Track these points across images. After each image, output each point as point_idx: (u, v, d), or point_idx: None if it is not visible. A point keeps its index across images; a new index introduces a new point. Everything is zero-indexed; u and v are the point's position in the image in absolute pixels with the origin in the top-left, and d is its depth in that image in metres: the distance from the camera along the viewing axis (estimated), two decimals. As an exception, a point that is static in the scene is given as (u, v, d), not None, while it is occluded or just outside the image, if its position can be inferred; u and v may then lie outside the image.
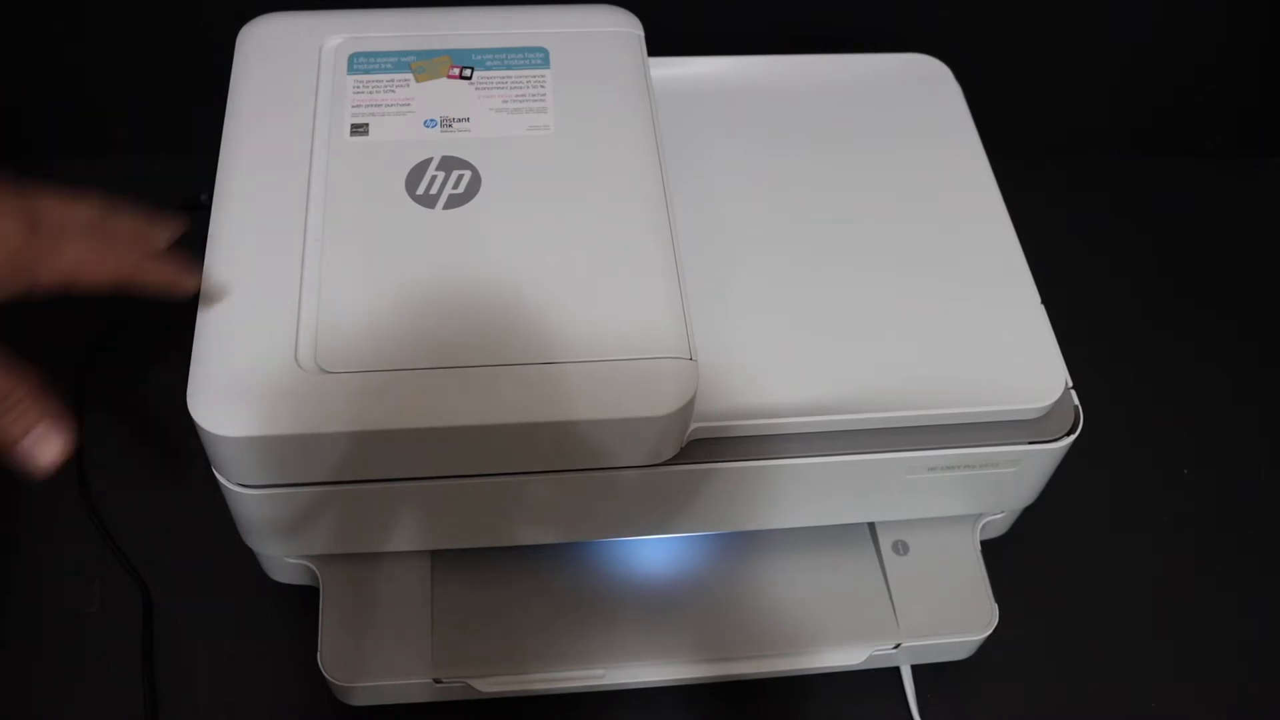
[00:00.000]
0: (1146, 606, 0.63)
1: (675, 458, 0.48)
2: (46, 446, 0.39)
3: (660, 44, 0.58)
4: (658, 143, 0.53)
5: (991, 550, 0.59)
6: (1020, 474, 0.53)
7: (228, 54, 0.55)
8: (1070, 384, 0.52)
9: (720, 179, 0.57)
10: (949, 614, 0.57)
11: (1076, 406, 0.52)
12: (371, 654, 0.54)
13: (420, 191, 0.50)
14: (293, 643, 0.58)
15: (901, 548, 0.58)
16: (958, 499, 0.55)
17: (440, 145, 0.52)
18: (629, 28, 0.57)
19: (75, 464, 0.64)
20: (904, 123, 0.61)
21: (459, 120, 0.53)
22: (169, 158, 0.71)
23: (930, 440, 0.50)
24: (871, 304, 0.53)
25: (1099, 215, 0.81)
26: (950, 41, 0.67)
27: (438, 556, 0.56)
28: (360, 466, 0.46)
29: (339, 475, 0.46)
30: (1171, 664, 0.61)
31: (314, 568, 0.55)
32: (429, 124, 0.53)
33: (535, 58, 0.55)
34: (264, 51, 0.55)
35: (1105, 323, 0.75)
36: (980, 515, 0.58)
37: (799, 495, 0.52)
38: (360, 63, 0.55)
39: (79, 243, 0.42)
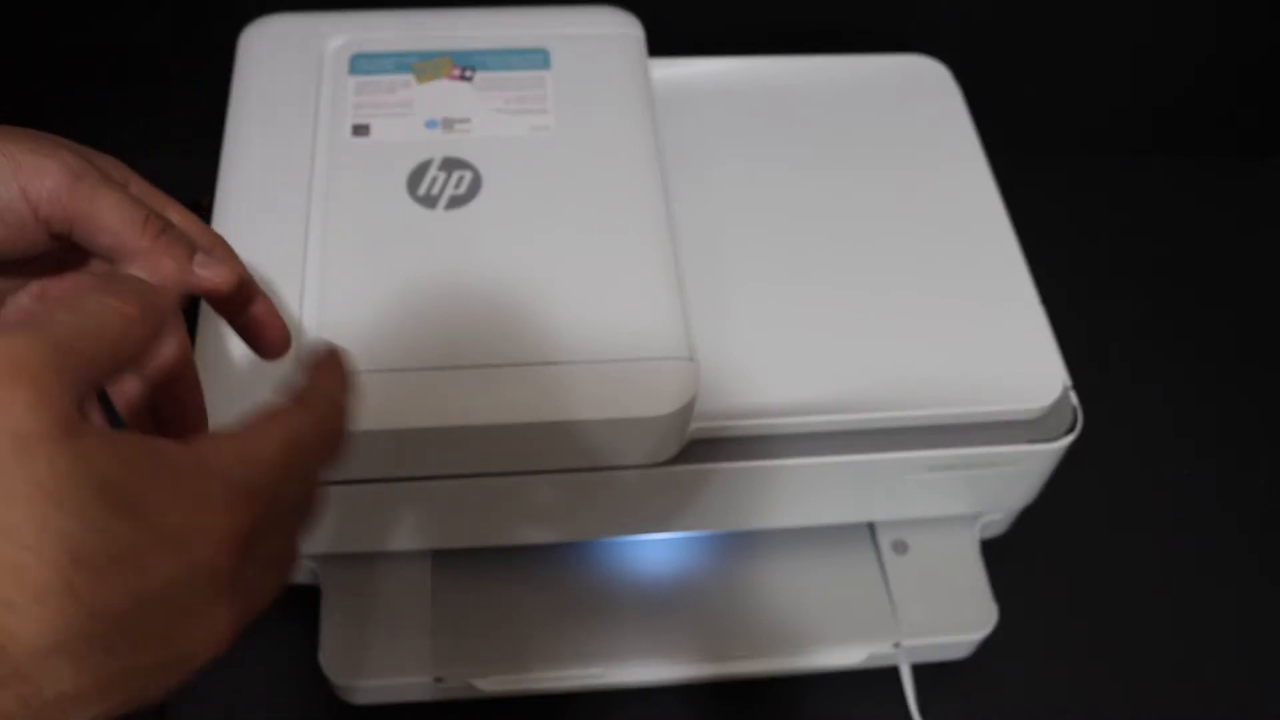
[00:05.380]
0: (1146, 606, 0.64)
1: (675, 458, 0.49)
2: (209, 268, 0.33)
3: (660, 44, 0.58)
4: (658, 143, 0.53)
5: (991, 550, 0.59)
6: (1020, 474, 0.53)
7: (230, 55, 0.55)
8: (1069, 384, 0.52)
9: (720, 179, 0.57)
10: (949, 613, 0.57)
11: (1075, 406, 0.52)
12: (372, 653, 0.54)
13: (422, 192, 0.50)
14: (293, 642, 0.58)
15: (901, 547, 0.58)
16: (957, 499, 0.55)
17: (441, 146, 0.52)
18: (629, 29, 0.57)
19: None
20: (903, 123, 0.61)
21: (460, 121, 0.53)
22: (170, 159, 0.71)
23: (930, 440, 0.51)
24: (871, 304, 0.53)
25: (1099, 215, 0.81)
26: (950, 41, 0.67)
27: (438, 556, 0.57)
28: (361, 466, 0.46)
29: (340, 475, 0.46)
30: (1171, 664, 0.62)
31: (315, 567, 0.56)
32: (430, 125, 0.53)
33: (536, 59, 0.55)
34: (266, 53, 0.55)
35: (1105, 323, 0.75)
36: (980, 515, 0.58)
37: (799, 495, 0.53)
38: (362, 64, 0.55)
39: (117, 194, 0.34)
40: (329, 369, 0.33)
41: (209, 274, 0.34)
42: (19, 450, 0.22)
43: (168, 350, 0.36)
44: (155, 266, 0.31)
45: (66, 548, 0.22)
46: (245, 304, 0.37)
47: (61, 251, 0.36)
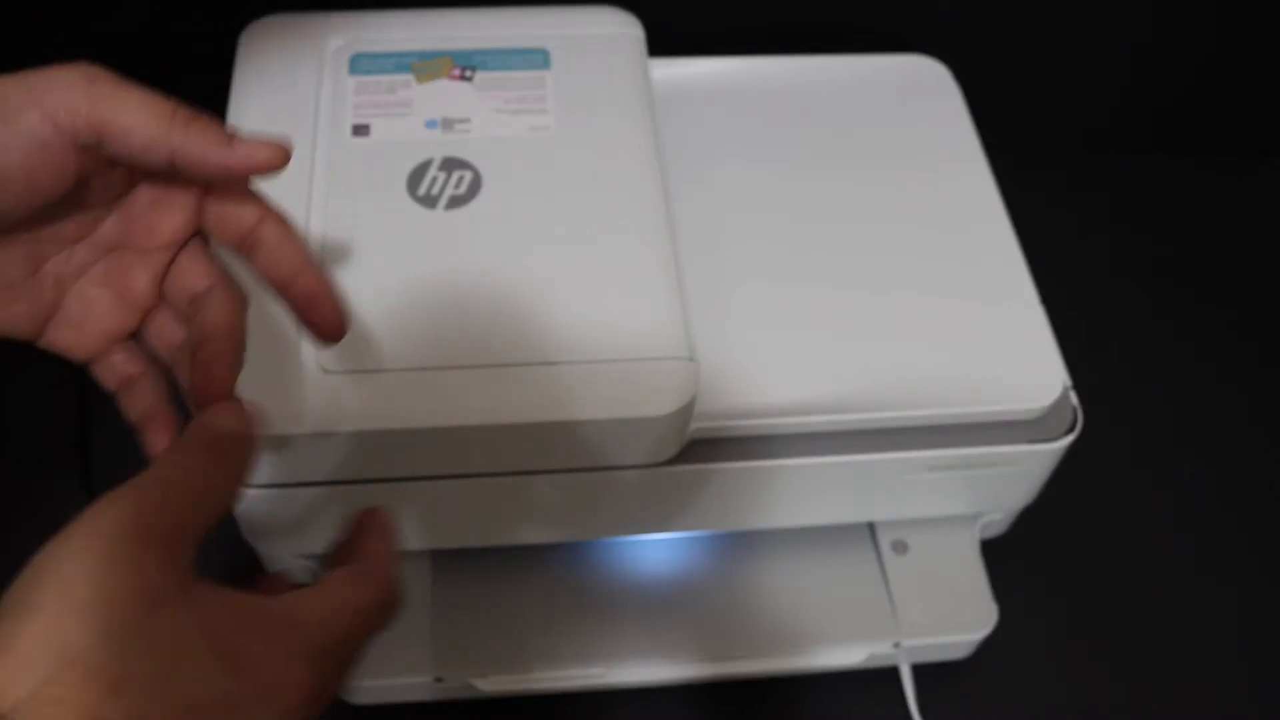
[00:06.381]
0: (1146, 606, 0.64)
1: (675, 458, 0.49)
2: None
3: (660, 44, 0.58)
4: (658, 143, 0.53)
5: (991, 550, 0.59)
6: (1019, 474, 0.53)
7: (230, 55, 0.55)
8: (1069, 384, 0.52)
9: (720, 179, 0.57)
10: (948, 613, 0.57)
11: (1075, 407, 0.52)
12: (372, 653, 0.53)
13: (421, 192, 0.50)
14: (294, 642, 0.58)
15: (901, 547, 0.58)
16: (957, 499, 0.55)
17: (441, 146, 0.52)
18: (629, 29, 0.57)
19: (79, 463, 0.64)
20: (903, 123, 0.61)
21: (460, 121, 0.53)
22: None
23: (930, 440, 0.51)
24: (871, 304, 0.53)
25: (1099, 215, 0.81)
26: (950, 41, 0.67)
27: (438, 556, 0.57)
28: (361, 466, 0.46)
29: (340, 475, 0.47)
30: (1171, 664, 0.62)
31: (315, 567, 0.56)
32: (430, 125, 0.53)
33: (536, 59, 0.55)
34: (266, 53, 0.55)
35: (1105, 323, 0.75)
36: (980, 515, 0.59)
37: (799, 495, 0.53)
38: (362, 64, 0.55)
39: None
40: (380, 535, 0.35)
41: (249, 150, 0.33)
42: (149, 609, 0.25)
43: (215, 312, 0.36)
44: (236, 411, 0.32)
45: (184, 700, 0.24)
46: (295, 276, 0.36)
47: (105, 205, 0.36)
